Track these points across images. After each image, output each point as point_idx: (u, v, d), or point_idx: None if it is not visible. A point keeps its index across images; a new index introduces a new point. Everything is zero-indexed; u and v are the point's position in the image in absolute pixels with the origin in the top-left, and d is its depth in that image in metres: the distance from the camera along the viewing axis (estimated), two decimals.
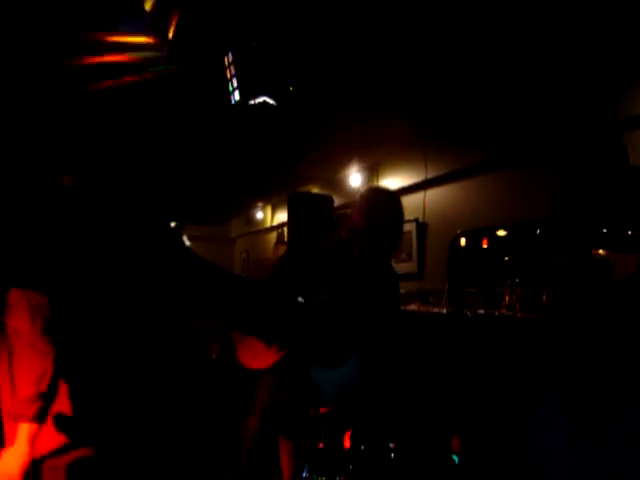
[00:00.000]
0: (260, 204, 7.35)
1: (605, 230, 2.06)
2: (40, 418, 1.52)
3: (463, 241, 3.75)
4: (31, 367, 1.50)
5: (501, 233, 3.43)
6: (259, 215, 7.52)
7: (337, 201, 3.01)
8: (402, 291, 4.39)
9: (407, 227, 4.42)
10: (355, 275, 2.23)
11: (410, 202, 4.45)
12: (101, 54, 2.59)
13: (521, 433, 2.05)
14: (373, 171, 4.97)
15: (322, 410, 2.24)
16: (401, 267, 4.52)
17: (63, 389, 1.57)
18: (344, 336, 1.57)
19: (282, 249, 6.39)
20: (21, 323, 1.51)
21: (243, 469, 2.62)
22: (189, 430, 3.71)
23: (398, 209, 2.30)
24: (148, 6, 2.15)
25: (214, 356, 5.28)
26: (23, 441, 1.50)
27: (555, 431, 1.70)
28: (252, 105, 2.29)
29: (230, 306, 1.23)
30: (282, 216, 6.93)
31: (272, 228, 7.25)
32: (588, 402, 1.61)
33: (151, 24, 2.33)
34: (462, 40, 2.59)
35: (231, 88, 2.28)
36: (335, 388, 2.15)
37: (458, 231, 3.77)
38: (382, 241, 2.26)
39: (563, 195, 2.41)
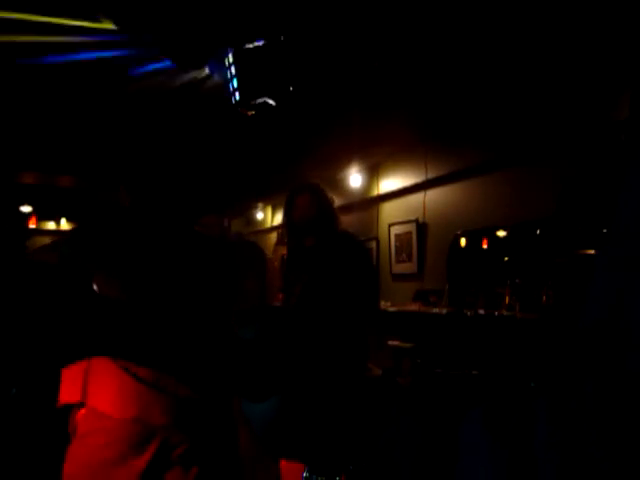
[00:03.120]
0: (260, 204, 7.36)
1: (605, 230, 2.07)
2: None
3: (463, 241, 3.75)
4: None
5: (501, 233, 3.43)
6: (259, 215, 7.52)
7: (337, 202, 3.00)
8: (402, 291, 4.38)
9: (407, 227, 4.43)
10: (328, 259, 2.46)
11: (410, 202, 4.45)
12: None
13: (446, 468, 2.06)
14: (373, 171, 4.97)
15: None
16: (401, 267, 4.53)
17: None
18: (268, 374, 1.64)
19: (282, 249, 6.40)
20: None
21: None
22: None
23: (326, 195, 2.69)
24: None
25: None
26: None
27: (479, 464, 1.69)
28: (253, 105, 2.30)
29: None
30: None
31: (272, 228, 7.25)
32: (509, 433, 1.60)
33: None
34: (463, 42, 2.59)
35: (232, 89, 2.28)
36: (262, 421, 2.27)
37: (458, 231, 3.78)
38: (332, 224, 2.59)
39: (563, 195, 2.42)
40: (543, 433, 1.42)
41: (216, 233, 3.44)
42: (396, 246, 4.58)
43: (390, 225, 4.67)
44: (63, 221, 8.18)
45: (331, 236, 2.62)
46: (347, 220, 3.02)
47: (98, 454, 1.38)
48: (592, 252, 2.22)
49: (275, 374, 1.83)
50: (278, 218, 7.22)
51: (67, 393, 1.46)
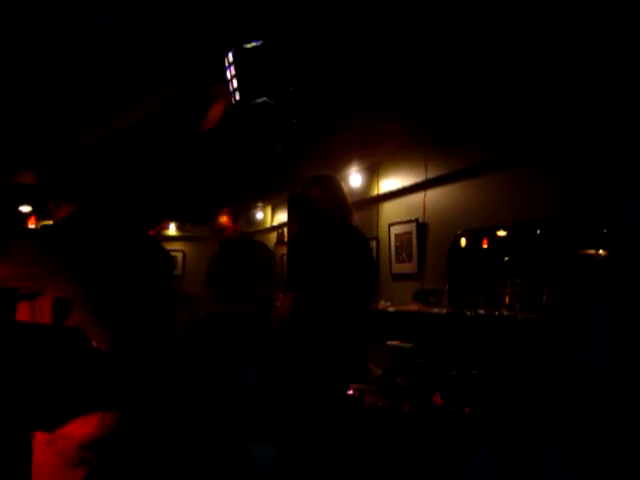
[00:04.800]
0: (260, 204, 7.35)
1: (605, 230, 2.06)
2: None
3: (463, 241, 3.75)
4: None
5: (501, 233, 3.43)
6: (259, 215, 7.52)
7: None
8: (402, 291, 4.37)
9: (407, 227, 4.42)
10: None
11: (410, 202, 4.45)
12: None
13: None
14: (373, 171, 4.97)
15: None
16: (401, 267, 4.52)
17: None
18: (271, 417, 1.68)
19: (282, 249, 6.42)
20: None
21: None
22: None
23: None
24: None
25: None
26: None
27: None
28: (253, 105, 2.30)
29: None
30: (282, 216, 6.93)
31: (272, 228, 7.25)
32: (521, 470, 1.59)
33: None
34: (463, 41, 2.59)
35: (231, 88, 2.28)
36: (266, 459, 2.35)
37: (458, 231, 3.77)
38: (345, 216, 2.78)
39: (563, 195, 2.41)
40: (557, 470, 1.41)
41: (230, 234, 3.52)
42: (396, 246, 4.58)
43: (390, 225, 4.66)
44: None
45: (337, 228, 2.69)
46: None
47: (39, 468, 1.54)
48: (592, 252, 2.22)
49: (277, 418, 1.86)
50: (278, 218, 7.22)
51: None
